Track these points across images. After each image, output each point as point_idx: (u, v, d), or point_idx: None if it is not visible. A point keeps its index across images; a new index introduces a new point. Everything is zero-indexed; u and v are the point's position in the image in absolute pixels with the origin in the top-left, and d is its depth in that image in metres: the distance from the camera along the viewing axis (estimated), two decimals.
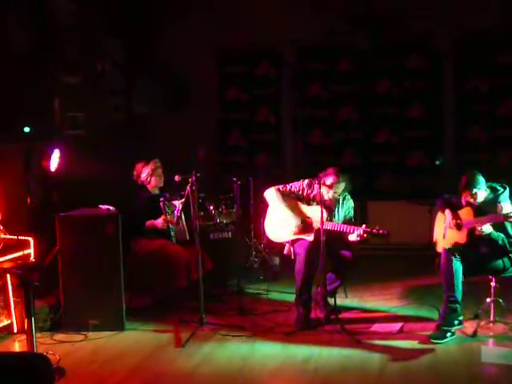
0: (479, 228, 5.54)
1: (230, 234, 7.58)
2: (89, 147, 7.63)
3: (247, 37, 9.18)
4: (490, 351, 5.35)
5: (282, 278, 7.64)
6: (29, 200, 6.47)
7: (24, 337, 5.12)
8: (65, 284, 5.95)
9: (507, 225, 5.56)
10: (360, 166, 9.43)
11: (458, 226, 5.73)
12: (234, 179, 7.64)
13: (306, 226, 6.21)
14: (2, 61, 6.74)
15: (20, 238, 5.87)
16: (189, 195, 5.99)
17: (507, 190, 5.72)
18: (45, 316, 5.97)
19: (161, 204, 6.58)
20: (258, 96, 9.66)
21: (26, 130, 6.42)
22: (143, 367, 5.22)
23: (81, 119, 8.10)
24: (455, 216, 5.77)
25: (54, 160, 6.71)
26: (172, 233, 6.66)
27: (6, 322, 5.90)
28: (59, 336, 5.86)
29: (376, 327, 5.96)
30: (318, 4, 9.06)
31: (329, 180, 6.08)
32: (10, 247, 5.76)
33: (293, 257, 6.28)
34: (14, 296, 5.88)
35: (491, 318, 5.79)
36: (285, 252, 6.45)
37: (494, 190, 5.74)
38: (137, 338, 5.85)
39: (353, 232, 5.94)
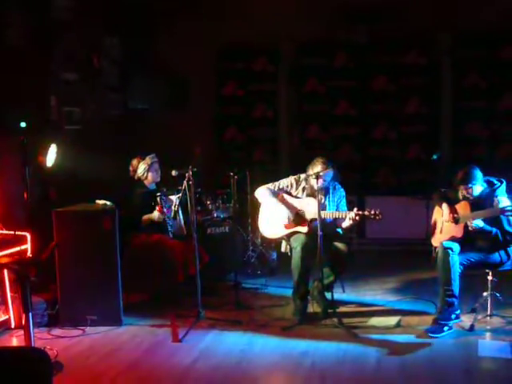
0: (470, 224, 5.56)
1: (227, 228, 7.59)
2: (85, 142, 7.62)
3: (244, 32, 9.16)
4: (487, 345, 5.38)
5: (279, 273, 7.66)
6: (26, 195, 6.45)
7: (21, 332, 5.10)
8: (62, 279, 5.93)
9: (503, 219, 5.56)
10: (357, 161, 9.44)
11: (455, 220, 5.75)
12: (231, 174, 7.64)
13: (299, 218, 6.23)
14: None
15: (17, 233, 5.86)
16: (186, 190, 5.98)
17: (504, 184, 5.73)
18: (42, 311, 5.97)
19: (157, 199, 6.58)
20: (255, 91, 9.66)
21: (23, 125, 6.40)
22: (141, 362, 5.22)
23: (77, 114, 8.08)
24: (452, 210, 5.78)
25: (51, 155, 6.70)
26: (169, 227, 6.67)
27: (3, 318, 5.89)
28: (56, 331, 5.85)
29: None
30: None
31: (316, 169, 6.09)
32: (6, 242, 5.74)
33: (289, 253, 6.30)
34: (11, 291, 5.87)
35: (488, 312, 5.81)
36: (282, 250, 6.48)
37: (490, 184, 5.75)
38: (134, 333, 5.85)
39: (345, 217, 5.97)
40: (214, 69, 9.65)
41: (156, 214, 6.57)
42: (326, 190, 6.28)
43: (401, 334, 5.64)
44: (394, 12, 8.89)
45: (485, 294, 5.81)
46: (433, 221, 6.14)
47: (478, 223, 5.55)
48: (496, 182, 5.75)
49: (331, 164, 6.15)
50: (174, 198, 6.61)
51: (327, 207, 6.24)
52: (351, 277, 6.98)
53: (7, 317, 5.91)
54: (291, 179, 6.40)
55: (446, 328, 5.59)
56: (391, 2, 8.89)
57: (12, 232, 5.85)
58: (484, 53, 8.90)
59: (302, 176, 6.34)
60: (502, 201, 5.59)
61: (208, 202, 7.73)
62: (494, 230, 5.56)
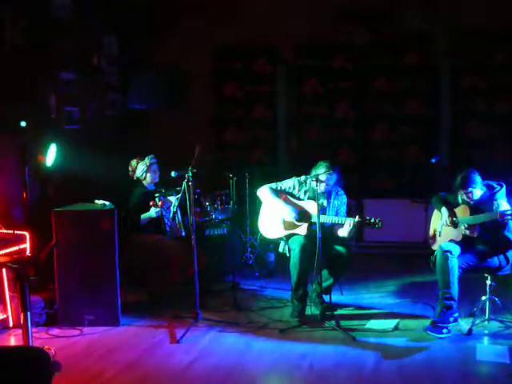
0: (465, 227, 5.59)
1: (225, 230, 7.59)
2: (85, 142, 7.62)
3: (244, 33, 9.16)
4: (486, 349, 5.38)
5: (277, 275, 7.66)
6: (25, 195, 6.45)
7: (19, 331, 5.10)
8: (60, 279, 5.93)
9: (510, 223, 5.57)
10: (356, 163, 9.43)
11: (454, 224, 5.75)
12: (230, 175, 7.63)
13: (304, 215, 6.22)
14: None
15: (16, 232, 5.86)
16: (185, 191, 5.98)
17: (504, 187, 5.73)
18: (40, 310, 5.96)
19: (156, 199, 6.58)
20: (254, 92, 9.65)
21: (22, 124, 6.40)
22: (138, 362, 5.22)
23: (77, 114, 8.08)
24: (451, 214, 5.79)
25: (50, 155, 6.70)
26: (167, 228, 6.67)
27: (1, 317, 5.89)
28: (54, 331, 5.85)
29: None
30: (315, 0, 9.05)
31: (320, 172, 6.09)
32: (5, 241, 5.74)
33: (288, 253, 6.30)
34: (9, 290, 5.88)
35: (487, 317, 5.81)
36: (280, 250, 6.47)
37: (490, 187, 5.75)
38: (132, 334, 5.85)
39: (343, 223, 5.97)
40: (214, 69, 9.63)
41: (152, 210, 6.57)
42: (328, 194, 6.28)
43: (399, 338, 5.64)
44: (393, 13, 8.90)
45: (483, 298, 5.81)
46: (432, 230, 6.12)
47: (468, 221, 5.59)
48: (496, 185, 5.75)
49: (335, 168, 6.15)
50: (173, 199, 6.61)
51: (327, 212, 6.24)
52: (349, 279, 6.97)
53: (5, 316, 5.91)
54: (294, 181, 6.39)
55: (444, 330, 5.59)
56: (390, 3, 8.90)
57: (11, 231, 5.85)
58: (483, 54, 8.89)
59: (304, 178, 6.33)
60: (502, 204, 5.59)
61: (207, 204, 7.72)
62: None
